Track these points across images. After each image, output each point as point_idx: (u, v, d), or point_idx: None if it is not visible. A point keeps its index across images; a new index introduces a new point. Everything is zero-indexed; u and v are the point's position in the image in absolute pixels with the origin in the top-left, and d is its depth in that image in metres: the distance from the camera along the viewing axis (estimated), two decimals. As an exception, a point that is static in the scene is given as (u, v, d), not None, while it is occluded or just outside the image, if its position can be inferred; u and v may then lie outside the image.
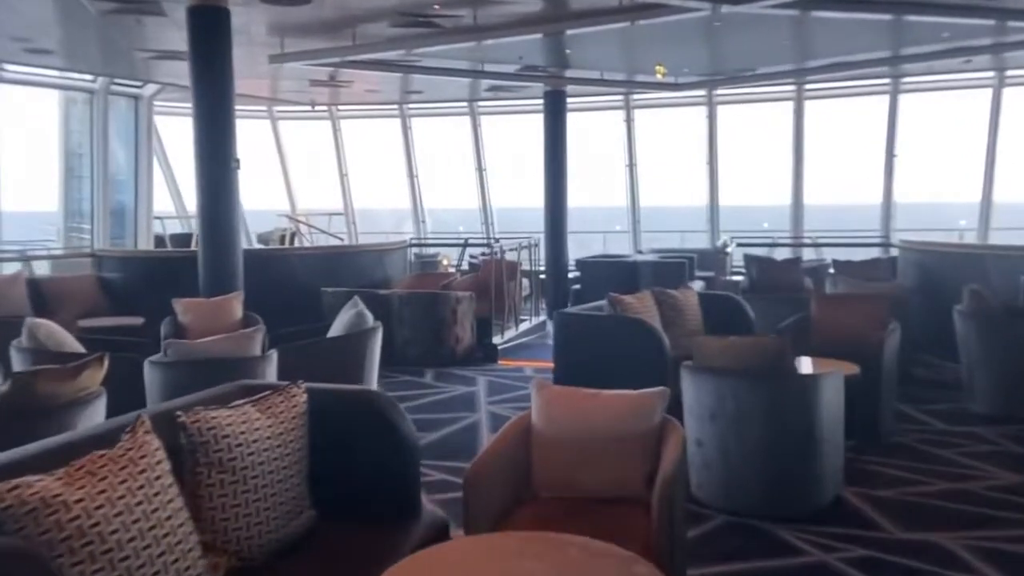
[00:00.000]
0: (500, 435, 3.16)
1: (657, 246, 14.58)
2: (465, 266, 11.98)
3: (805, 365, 5.00)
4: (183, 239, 13.53)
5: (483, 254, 10.45)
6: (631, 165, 15.06)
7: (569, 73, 11.86)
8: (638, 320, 5.60)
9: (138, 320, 7.54)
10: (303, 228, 15.48)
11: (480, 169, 15.68)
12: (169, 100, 14.69)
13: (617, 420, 3.11)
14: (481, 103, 15.26)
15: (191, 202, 17.64)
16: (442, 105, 15.59)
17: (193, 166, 7.17)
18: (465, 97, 14.66)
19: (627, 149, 14.94)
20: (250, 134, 16.65)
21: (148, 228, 13.01)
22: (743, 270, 11.84)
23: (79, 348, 4.63)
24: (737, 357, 4.19)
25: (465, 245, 12.33)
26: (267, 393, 2.68)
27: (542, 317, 10.03)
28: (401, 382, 7.45)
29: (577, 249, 16.14)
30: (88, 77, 11.85)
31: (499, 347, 8.51)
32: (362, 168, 18.02)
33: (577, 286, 12.54)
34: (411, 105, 15.53)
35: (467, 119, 15.33)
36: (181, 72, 9.08)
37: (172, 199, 15.78)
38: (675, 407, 3.68)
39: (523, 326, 9.50)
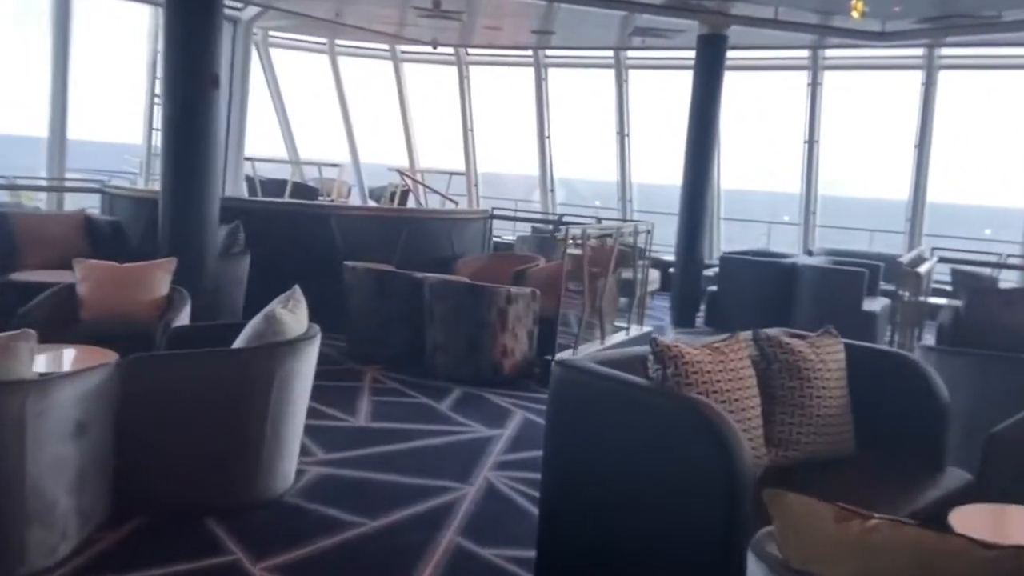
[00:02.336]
0: None
1: (837, 245, 11.48)
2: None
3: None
4: (275, 186, 12.18)
5: (554, 235, 8.02)
6: (811, 142, 11.91)
7: (736, 9, 9.07)
8: (696, 405, 3.00)
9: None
10: (413, 185, 13.75)
11: (622, 134, 13.15)
12: (285, 31, 13.38)
13: None
14: (629, 54, 12.67)
15: (307, 147, 16.56)
16: (582, 55, 13.15)
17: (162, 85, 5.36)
18: (609, 43, 12.13)
19: (808, 120, 11.81)
20: (372, 76, 15.10)
21: (236, 170, 11.72)
22: (947, 286, 8.65)
23: None
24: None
25: (558, 223, 9.84)
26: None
27: (647, 328, 7.55)
28: (392, 405, 5.35)
29: (729, 242, 13.27)
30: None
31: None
32: (492, 125, 16.04)
33: (713, 287, 9.84)
34: (547, 53, 13.23)
35: (611, 73, 12.81)
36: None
37: (284, 143, 14.59)
38: None
39: (615, 337, 7.06)
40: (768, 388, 3.07)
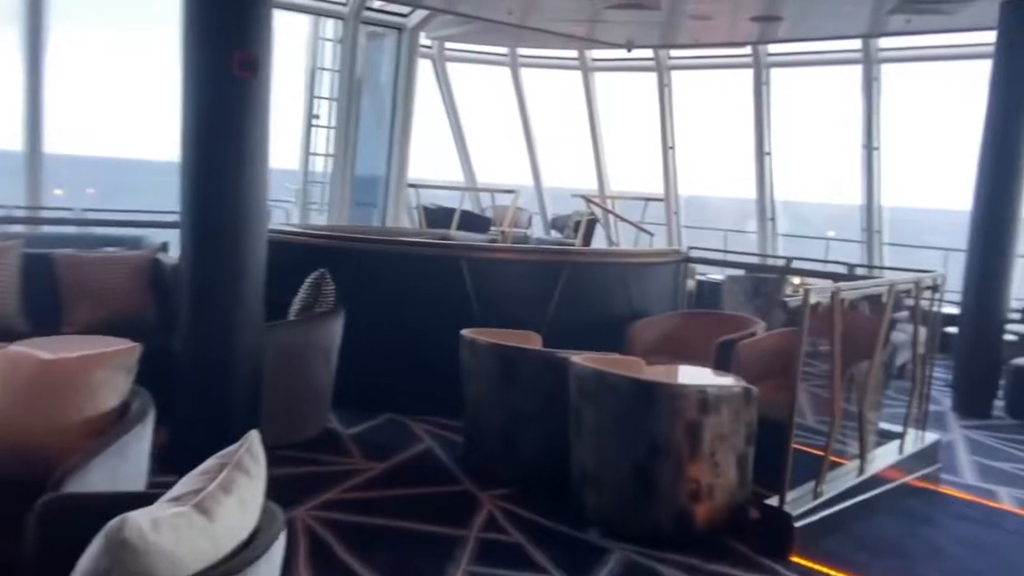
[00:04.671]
0: None
1: None
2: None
3: None
4: (443, 216, 10.64)
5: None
6: None
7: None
8: None
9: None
10: (601, 213, 11.66)
11: (869, 146, 10.19)
12: (460, 40, 11.91)
13: None
14: (882, 43, 9.75)
15: (487, 172, 15.01)
16: (816, 48, 10.38)
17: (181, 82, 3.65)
18: (857, 29, 9.32)
19: None
20: (560, 89, 13.26)
21: (397, 198, 10.31)
22: None
23: None
24: None
25: (785, 270, 6.93)
26: None
27: (931, 435, 4.83)
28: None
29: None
30: (340, -4, 9.32)
31: (802, 522, 3.69)
32: (697, 139, 13.57)
33: (1021, 360, 6.77)
34: (771, 49, 10.62)
35: (855, 70, 9.94)
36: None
37: (461, 167, 13.13)
38: None
39: (883, 454, 4.44)
40: None
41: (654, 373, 4.24)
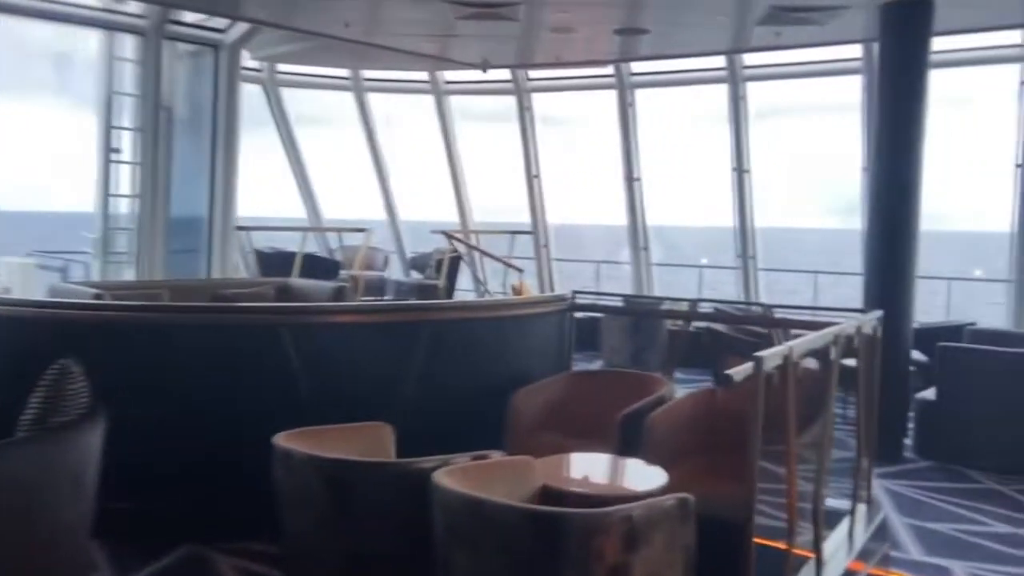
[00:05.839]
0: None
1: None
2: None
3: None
4: (280, 262, 9.17)
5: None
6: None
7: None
8: None
9: None
10: (465, 249, 10.56)
11: (740, 169, 9.68)
12: (294, 62, 10.54)
13: None
14: (747, 59, 9.29)
15: (337, 209, 13.57)
16: (682, 66, 9.80)
17: None
18: (722, 44, 8.78)
19: None
20: (411, 113, 12.13)
21: (224, 243, 8.74)
22: None
23: None
24: None
25: (691, 316, 5.91)
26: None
27: (881, 509, 3.97)
28: None
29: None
30: (135, 7, 7.76)
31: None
32: (564, 166, 12.82)
33: (928, 394, 6.20)
34: (635, 68, 9.96)
35: (720, 89, 9.43)
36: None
37: (304, 204, 11.66)
38: None
39: (837, 539, 3.50)
40: None
41: (552, 474, 3.09)
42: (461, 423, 4.04)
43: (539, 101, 10.82)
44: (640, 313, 7.14)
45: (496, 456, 3.06)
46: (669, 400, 4.06)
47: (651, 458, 3.57)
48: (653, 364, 8.04)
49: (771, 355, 2.62)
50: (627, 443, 3.74)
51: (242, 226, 8.87)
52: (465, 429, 4.03)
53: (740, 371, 2.54)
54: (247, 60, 9.58)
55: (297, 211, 11.46)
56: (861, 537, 3.75)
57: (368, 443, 3.33)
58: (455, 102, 11.26)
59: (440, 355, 4.13)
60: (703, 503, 3.05)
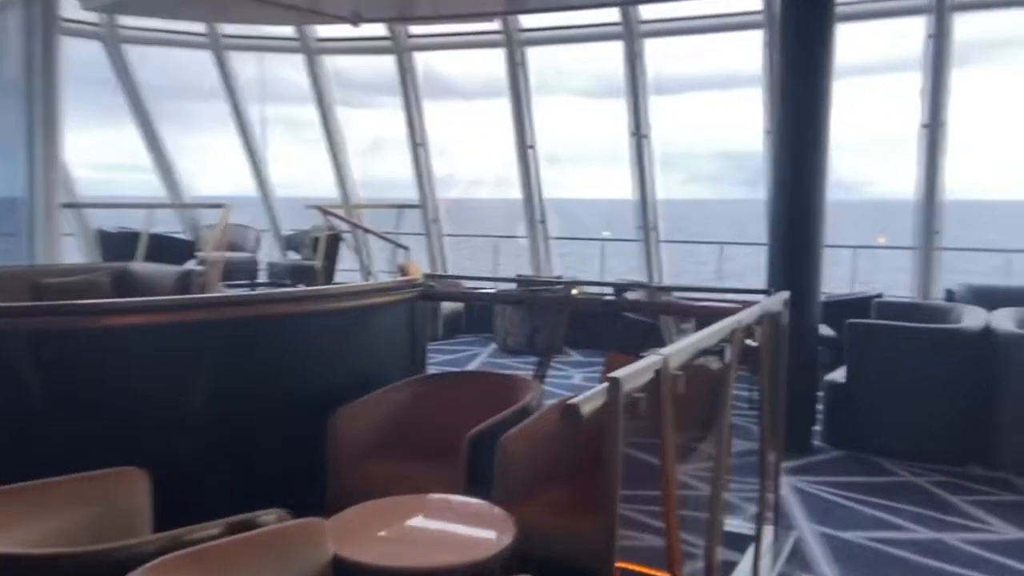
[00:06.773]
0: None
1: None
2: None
3: None
4: (122, 243, 7.95)
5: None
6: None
7: None
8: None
9: None
10: (345, 226, 9.51)
11: (638, 134, 8.96)
12: (137, 15, 9.21)
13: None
14: (644, 11, 8.53)
15: (195, 182, 12.21)
16: (571, 21, 8.97)
17: None
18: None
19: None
20: (286, 78, 10.95)
21: (49, 222, 7.45)
22: None
23: None
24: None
25: (561, 303, 4.90)
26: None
27: (791, 531, 3.30)
28: None
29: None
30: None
31: None
32: (456, 134, 11.89)
33: (837, 376, 5.65)
34: (525, 24, 9.08)
35: (618, 46, 8.66)
36: None
37: (162, 180, 10.34)
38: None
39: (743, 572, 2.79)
40: None
41: (349, 537, 2.23)
42: (268, 459, 3.13)
43: (435, 64, 9.86)
44: (506, 300, 6.29)
45: (271, 519, 2.16)
46: (534, 410, 3.25)
47: (501, 492, 2.77)
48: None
49: (634, 373, 1.81)
50: (476, 470, 2.92)
51: (69, 203, 7.59)
52: (273, 467, 3.13)
53: (588, 401, 1.72)
54: (75, 11, 8.23)
55: (156, 189, 10.13)
56: (768, 572, 3.05)
57: (108, 501, 2.39)
58: (333, 63, 10.15)
59: (243, 366, 3.19)
60: (564, 545, 2.32)
